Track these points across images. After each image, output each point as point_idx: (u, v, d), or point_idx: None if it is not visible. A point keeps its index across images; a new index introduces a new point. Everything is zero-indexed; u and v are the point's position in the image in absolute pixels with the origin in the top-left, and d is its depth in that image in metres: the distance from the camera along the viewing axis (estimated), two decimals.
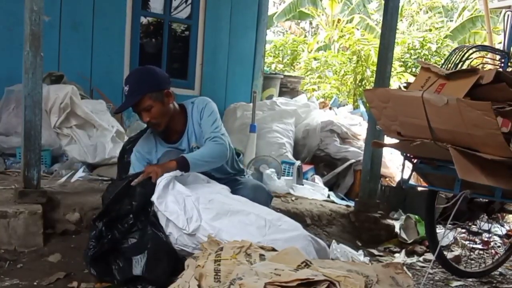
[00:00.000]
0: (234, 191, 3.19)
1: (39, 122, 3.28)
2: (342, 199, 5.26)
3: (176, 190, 2.89)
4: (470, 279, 3.67)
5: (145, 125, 3.24)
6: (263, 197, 3.22)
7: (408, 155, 3.22)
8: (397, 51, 11.95)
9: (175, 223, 2.77)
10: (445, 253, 3.78)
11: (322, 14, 17.60)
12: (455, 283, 3.55)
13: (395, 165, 5.74)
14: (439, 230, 3.90)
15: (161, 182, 2.87)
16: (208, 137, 3.13)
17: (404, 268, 2.46)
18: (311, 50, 15.01)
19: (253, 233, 2.74)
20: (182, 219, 2.77)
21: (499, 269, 3.92)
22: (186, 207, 2.82)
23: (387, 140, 3.87)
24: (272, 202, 3.43)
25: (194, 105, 3.23)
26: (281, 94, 7.79)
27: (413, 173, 3.36)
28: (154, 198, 2.82)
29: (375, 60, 8.05)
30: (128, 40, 6.20)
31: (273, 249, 2.45)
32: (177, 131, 3.22)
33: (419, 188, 4.74)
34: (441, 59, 12.01)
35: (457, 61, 3.18)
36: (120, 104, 3.24)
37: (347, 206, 4.67)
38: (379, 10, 17.22)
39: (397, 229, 4.43)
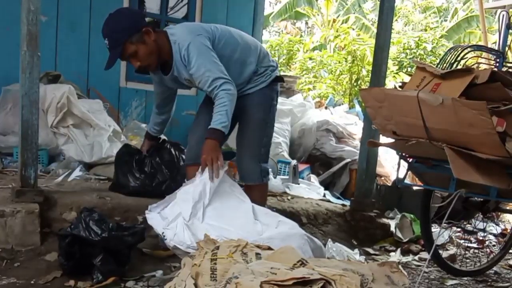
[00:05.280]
0: None
1: (36, 122, 3.28)
2: (338, 198, 5.28)
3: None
4: (465, 278, 3.68)
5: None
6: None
7: (404, 154, 3.23)
8: (393, 50, 11.95)
9: (180, 209, 2.84)
10: (440, 252, 3.79)
11: (318, 14, 17.62)
12: (450, 282, 3.57)
13: (390, 165, 5.76)
14: (434, 229, 3.92)
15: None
16: (208, 91, 3.04)
17: (400, 267, 2.47)
18: (307, 50, 15.02)
19: (249, 232, 2.75)
20: (187, 210, 2.84)
21: (494, 268, 3.94)
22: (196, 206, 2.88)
23: (383, 139, 3.87)
24: (268, 200, 3.44)
25: (175, 45, 3.07)
26: None
27: (409, 172, 3.38)
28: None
29: (371, 59, 8.08)
30: None
31: (269, 248, 2.46)
32: (167, 60, 3.14)
33: (415, 187, 4.75)
34: (437, 59, 12.01)
35: (452, 61, 3.19)
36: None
37: (343, 205, 4.69)
38: (375, 10, 17.26)
39: (392, 228, 4.44)
